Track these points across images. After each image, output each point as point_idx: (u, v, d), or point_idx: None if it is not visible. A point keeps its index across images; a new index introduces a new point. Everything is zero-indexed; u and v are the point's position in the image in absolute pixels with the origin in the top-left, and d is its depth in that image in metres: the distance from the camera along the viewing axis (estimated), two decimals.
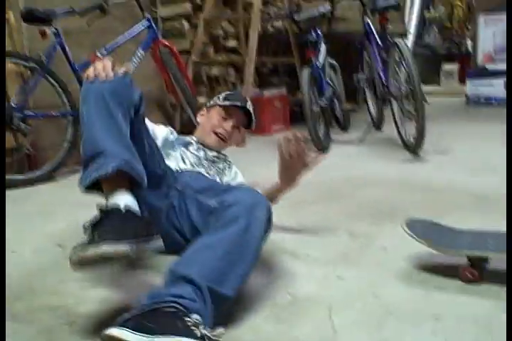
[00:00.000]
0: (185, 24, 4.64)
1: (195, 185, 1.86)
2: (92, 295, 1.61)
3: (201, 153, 2.13)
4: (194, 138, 2.20)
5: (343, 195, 2.72)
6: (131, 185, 1.46)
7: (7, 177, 2.93)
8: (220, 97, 2.20)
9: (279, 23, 4.98)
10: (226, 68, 5.00)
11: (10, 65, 3.20)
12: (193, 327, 1.18)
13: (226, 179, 2.15)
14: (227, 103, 2.16)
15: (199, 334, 1.17)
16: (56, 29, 3.17)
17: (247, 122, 2.22)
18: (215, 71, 4.84)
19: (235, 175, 2.19)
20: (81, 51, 3.41)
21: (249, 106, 2.20)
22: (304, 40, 4.01)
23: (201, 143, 2.17)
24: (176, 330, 1.16)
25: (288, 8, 4.69)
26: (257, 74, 5.14)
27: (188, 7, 4.61)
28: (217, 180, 2.09)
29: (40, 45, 3.26)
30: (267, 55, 5.31)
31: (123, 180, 1.43)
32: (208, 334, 1.19)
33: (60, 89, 3.21)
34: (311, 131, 3.64)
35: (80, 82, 3.03)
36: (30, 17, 3.11)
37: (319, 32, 4.02)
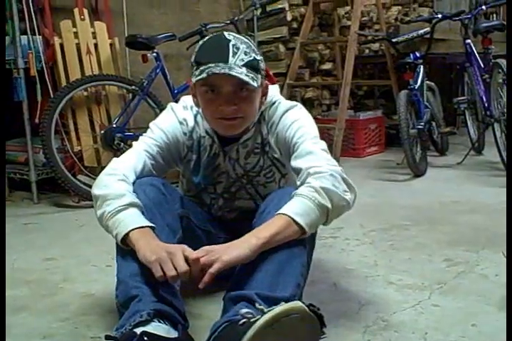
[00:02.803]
0: (282, 47, 4.70)
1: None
2: None
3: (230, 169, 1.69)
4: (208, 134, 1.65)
5: (438, 219, 2.62)
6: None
7: None
8: (193, 63, 1.50)
9: (376, 45, 4.94)
10: (321, 90, 5.01)
11: (112, 88, 3.36)
12: (244, 320, 1.19)
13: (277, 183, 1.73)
14: (202, 75, 1.43)
15: (253, 319, 1.17)
16: (157, 53, 3.30)
17: (249, 82, 1.45)
18: (310, 93, 4.86)
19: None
20: (179, 74, 3.53)
21: (235, 53, 1.44)
22: (402, 63, 3.95)
23: (218, 137, 1.65)
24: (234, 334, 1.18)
25: (386, 31, 4.65)
26: (353, 97, 5.11)
27: (284, 31, 4.67)
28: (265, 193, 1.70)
29: (141, 69, 3.40)
30: (363, 77, 5.27)
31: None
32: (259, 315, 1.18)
33: (158, 111, 3.31)
34: (407, 155, 3.56)
35: None
36: (134, 43, 3.26)
37: (418, 54, 3.95)
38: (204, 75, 1.42)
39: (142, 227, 1.38)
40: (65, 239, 2.47)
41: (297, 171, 1.52)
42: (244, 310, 1.22)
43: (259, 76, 1.49)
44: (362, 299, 1.71)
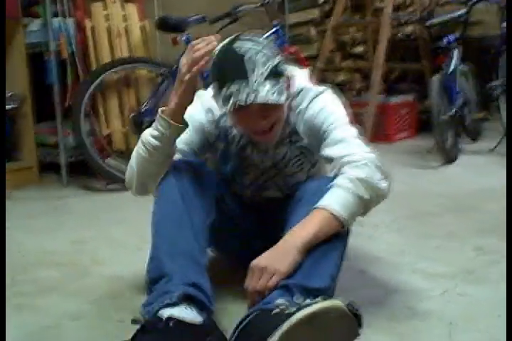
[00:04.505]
0: (313, 30, 4.65)
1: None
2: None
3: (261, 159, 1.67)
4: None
5: (469, 207, 2.58)
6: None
7: None
8: (212, 81, 1.49)
9: (409, 29, 4.85)
10: (352, 74, 4.94)
11: (142, 71, 3.36)
12: (277, 310, 1.19)
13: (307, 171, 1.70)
14: (229, 108, 1.41)
15: (287, 312, 1.17)
16: (188, 36, 3.29)
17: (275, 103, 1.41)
18: (341, 77, 4.81)
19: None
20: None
21: (253, 70, 1.39)
22: (436, 46, 3.87)
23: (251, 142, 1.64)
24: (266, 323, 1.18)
25: (420, 13, 4.55)
26: (384, 81, 5.03)
27: (316, 13, 4.62)
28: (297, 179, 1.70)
29: (171, 52, 3.40)
30: (395, 61, 5.19)
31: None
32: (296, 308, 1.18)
33: None
34: (438, 141, 3.51)
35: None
36: (165, 25, 3.24)
37: (452, 37, 3.87)
38: (232, 107, 1.39)
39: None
40: (95, 222, 2.49)
41: (329, 160, 1.51)
42: (279, 301, 1.22)
43: (283, 79, 1.44)
44: (389, 286, 1.70)
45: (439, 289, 1.67)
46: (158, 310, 1.27)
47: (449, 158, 3.58)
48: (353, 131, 1.53)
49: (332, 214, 1.36)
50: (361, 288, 1.69)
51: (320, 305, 1.15)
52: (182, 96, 1.44)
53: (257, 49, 1.41)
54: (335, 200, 1.38)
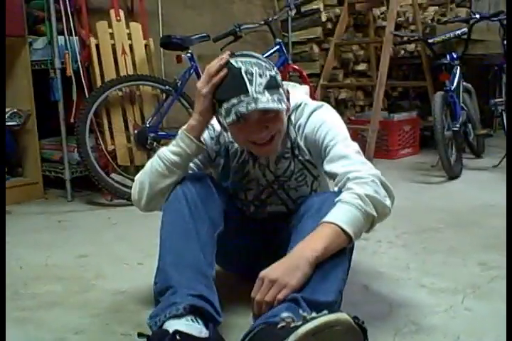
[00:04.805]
0: (316, 48, 4.69)
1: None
2: None
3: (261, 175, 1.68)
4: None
5: (472, 223, 2.58)
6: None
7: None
8: (213, 100, 1.49)
9: (411, 46, 4.89)
10: (355, 92, 4.97)
11: (146, 88, 3.39)
12: (283, 324, 1.18)
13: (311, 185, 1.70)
14: (231, 118, 1.42)
15: (293, 325, 1.16)
16: (191, 54, 3.32)
17: (274, 109, 1.44)
18: (343, 94, 4.83)
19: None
20: None
21: (251, 81, 1.41)
22: (438, 64, 3.90)
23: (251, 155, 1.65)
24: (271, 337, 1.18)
25: (422, 31, 4.59)
26: (387, 98, 5.06)
27: (319, 32, 4.65)
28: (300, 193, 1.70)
29: (175, 69, 3.42)
30: (398, 78, 5.22)
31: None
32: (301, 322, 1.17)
33: (192, 111, 3.33)
34: (442, 157, 3.51)
35: None
36: (168, 43, 3.28)
37: (454, 55, 3.90)
38: (234, 117, 1.41)
39: None
40: (98, 237, 2.49)
41: (332, 176, 1.52)
42: (285, 314, 1.21)
43: (281, 90, 1.47)
44: (393, 302, 1.69)
45: (445, 304, 1.66)
46: (164, 322, 1.27)
47: (453, 173, 3.58)
48: (354, 146, 1.54)
49: (341, 228, 1.36)
50: (366, 303, 1.69)
51: (326, 318, 1.15)
52: (203, 112, 1.50)
53: (253, 61, 1.45)
54: (343, 215, 1.38)
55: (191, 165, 1.62)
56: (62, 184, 3.26)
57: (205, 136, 1.63)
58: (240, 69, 1.43)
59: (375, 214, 1.40)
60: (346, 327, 1.16)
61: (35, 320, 1.62)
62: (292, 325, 1.17)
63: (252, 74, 1.41)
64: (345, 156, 1.49)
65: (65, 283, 1.93)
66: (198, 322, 1.28)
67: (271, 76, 1.44)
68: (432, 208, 2.84)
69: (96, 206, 3.11)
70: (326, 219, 1.38)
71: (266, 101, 1.40)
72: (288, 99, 1.53)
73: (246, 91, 1.40)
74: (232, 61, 1.45)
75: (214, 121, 1.59)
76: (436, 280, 1.86)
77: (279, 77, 1.48)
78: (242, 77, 1.41)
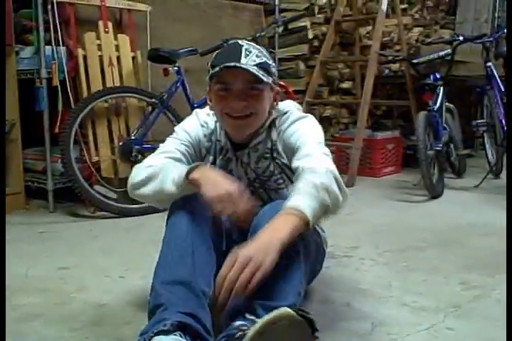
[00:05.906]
0: (302, 65, 4.72)
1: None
2: None
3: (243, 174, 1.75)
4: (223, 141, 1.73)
5: (455, 242, 2.59)
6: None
7: (119, 205, 3.09)
8: (209, 68, 1.59)
9: (395, 66, 4.95)
10: (339, 109, 5.01)
11: (132, 100, 3.39)
12: (240, 333, 1.22)
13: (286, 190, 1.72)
14: (215, 70, 1.53)
15: (246, 331, 1.19)
16: (178, 67, 3.33)
17: (259, 76, 1.53)
18: (328, 112, 4.87)
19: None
20: (200, 89, 3.54)
21: (247, 55, 1.54)
22: (422, 84, 3.95)
23: (231, 142, 1.72)
24: None
25: (406, 52, 4.66)
26: (371, 116, 5.11)
27: (305, 49, 4.70)
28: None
29: (161, 82, 3.42)
30: (382, 97, 5.27)
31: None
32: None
33: (177, 124, 3.33)
34: (424, 176, 3.54)
35: None
36: (156, 56, 3.29)
37: (438, 75, 3.95)
38: (216, 69, 1.51)
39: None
40: (80, 249, 2.47)
41: (295, 171, 1.56)
42: (238, 323, 1.25)
43: (270, 78, 1.57)
44: (375, 320, 1.69)
45: (426, 323, 1.67)
46: (152, 337, 1.26)
47: (435, 193, 3.61)
48: (323, 149, 1.59)
49: (303, 214, 1.35)
50: (347, 321, 1.69)
51: (268, 316, 1.18)
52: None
53: (257, 47, 1.61)
54: (300, 201, 1.38)
55: (184, 160, 1.68)
56: (44, 195, 3.23)
57: (200, 133, 1.73)
58: (242, 46, 1.57)
59: (329, 202, 1.41)
60: (289, 321, 1.19)
61: (15, 333, 1.59)
62: (247, 331, 1.20)
63: (250, 52, 1.56)
64: (310, 154, 1.55)
65: (46, 295, 1.91)
66: (186, 339, 1.27)
67: (268, 62, 1.58)
68: (414, 227, 2.86)
69: (78, 218, 3.09)
70: (288, 204, 1.38)
71: (252, 67, 1.52)
72: (275, 99, 1.66)
73: (238, 61, 1.52)
74: (240, 41, 1.62)
75: (208, 119, 1.74)
76: (418, 298, 1.87)
77: (274, 69, 1.61)
78: (241, 51, 1.54)
